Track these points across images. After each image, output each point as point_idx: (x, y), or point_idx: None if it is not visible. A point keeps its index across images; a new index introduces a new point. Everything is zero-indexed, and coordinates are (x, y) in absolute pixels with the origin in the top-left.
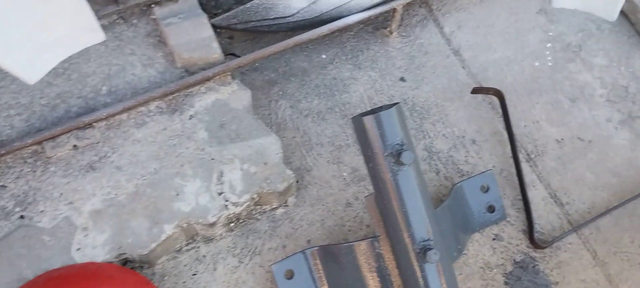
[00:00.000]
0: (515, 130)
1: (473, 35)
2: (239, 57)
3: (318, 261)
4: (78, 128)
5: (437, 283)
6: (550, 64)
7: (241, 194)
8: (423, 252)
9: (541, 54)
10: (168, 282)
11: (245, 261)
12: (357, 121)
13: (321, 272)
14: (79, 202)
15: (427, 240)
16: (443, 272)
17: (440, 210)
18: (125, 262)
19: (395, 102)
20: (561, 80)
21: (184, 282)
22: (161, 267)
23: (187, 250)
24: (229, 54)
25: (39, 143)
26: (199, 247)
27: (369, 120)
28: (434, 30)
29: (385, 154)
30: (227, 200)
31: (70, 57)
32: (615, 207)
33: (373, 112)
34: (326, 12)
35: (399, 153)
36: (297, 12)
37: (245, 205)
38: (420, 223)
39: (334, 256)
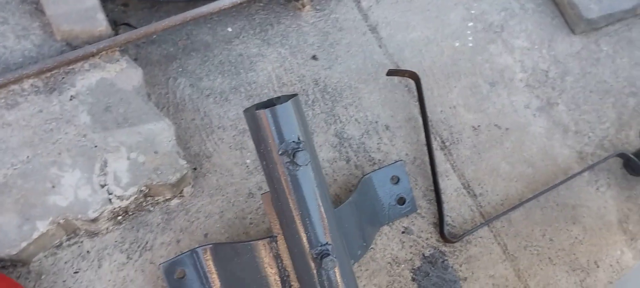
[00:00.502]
0: (431, 116)
1: (391, 12)
2: (134, 27)
3: (210, 260)
4: None
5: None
6: (470, 44)
7: (127, 187)
8: (320, 257)
9: (462, 34)
10: (46, 281)
11: (134, 257)
12: (250, 114)
13: (214, 272)
14: None
15: (324, 245)
16: (341, 276)
17: (345, 206)
18: None
19: (293, 93)
20: (481, 62)
21: (64, 281)
22: (38, 264)
23: (69, 246)
24: (122, 23)
25: None
26: (82, 242)
27: (262, 114)
28: (350, 5)
29: (280, 152)
30: (111, 193)
31: None
32: (528, 200)
33: (268, 104)
34: None
35: (294, 153)
36: None
37: (133, 198)
38: (318, 227)
39: (229, 255)
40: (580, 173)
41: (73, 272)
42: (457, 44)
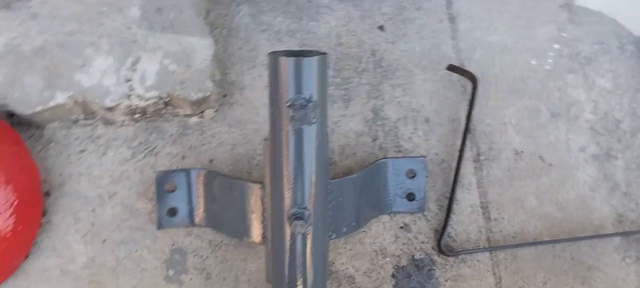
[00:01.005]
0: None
1: (479, 7)
2: None
3: (201, 185)
4: None
5: (299, 252)
6: (548, 67)
7: (149, 89)
8: (293, 218)
9: (543, 54)
10: (53, 149)
11: (138, 157)
12: (273, 58)
13: (201, 197)
14: None
15: (302, 208)
16: (311, 244)
17: (346, 180)
18: (11, 114)
19: (323, 51)
20: (552, 89)
21: (69, 155)
22: (51, 132)
23: (84, 125)
24: None
25: None
26: (96, 126)
27: (283, 61)
28: None
29: (288, 104)
30: (132, 90)
31: None
32: (545, 242)
33: (297, 54)
34: None
35: (301, 108)
36: None
37: (152, 102)
38: (301, 189)
39: (221, 186)
40: (612, 235)
41: (79, 151)
42: (534, 62)
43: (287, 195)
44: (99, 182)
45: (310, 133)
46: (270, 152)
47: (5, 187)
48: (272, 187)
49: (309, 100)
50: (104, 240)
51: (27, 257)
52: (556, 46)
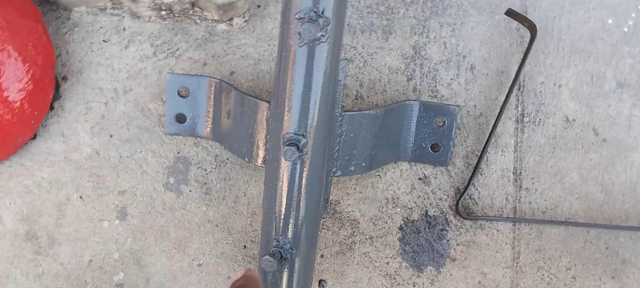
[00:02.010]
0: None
1: None
2: None
3: (212, 95)
4: None
5: (290, 181)
6: (626, 29)
7: None
8: (287, 143)
9: (624, 13)
10: (77, 33)
11: (159, 56)
12: None
13: (211, 107)
14: None
15: (297, 135)
16: (307, 174)
17: (362, 115)
18: None
19: None
20: (625, 55)
21: (91, 43)
22: (78, 16)
23: (111, 15)
24: None
25: None
26: (123, 17)
27: None
28: None
29: (297, 16)
30: None
31: None
32: (578, 224)
33: None
34: None
35: (311, 22)
36: None
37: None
38: (299, 113)
39: (232, 99)
40: None
41: (102, 40)
42: (610, 21)
43: (286, 118)
44: (116, 76)
45: (320, 53)
46: (276, 67)
47: (17, 60)
48: (273, 107)
49: (320, 15)
50: (111, 135)
51: (34, 137)
52: None
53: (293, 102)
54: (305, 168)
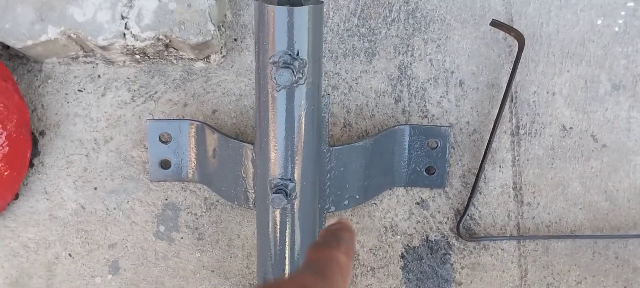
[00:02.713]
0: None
1: None
2: None
3: (193, 138)
4: None
5: (283, 226)
6: (617, 29)
7: (145, 29)
8: (275, 190)
9: (612, 12)
10: (50, 86)
11: (138, 101)
12: (259, 5)
13: (193, 151)
14: None
15: (285, 180)
16: (299, 219)
17: (351, 148)
18: (6, 47)
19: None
20: (617, 56)
21: (66, 94)
22: (50, 67)
23: (84, 63)
24: None
25: None
26: (97, 64)
27: (268, 10)
28: None
29: (271, 60)
30: (127, 29)
31: None
32: (585, 236)
33: (286, 2)
34: None
35: (286, 66)
36: None
37: (148, 43)
38: (284, 158)
39: (214, 142)
40: None
41: (77, 90)
42: (599, 22)
43: (272, 163)
44: (95, 125)
45: (299, 95)
46: (255, 114)
47: None
48: (257, 151)
49: (295, 57)
50: (95, 188)
51: (16, 197)
52: (630, 4)
53: (277, 146)
54: (296, 212)
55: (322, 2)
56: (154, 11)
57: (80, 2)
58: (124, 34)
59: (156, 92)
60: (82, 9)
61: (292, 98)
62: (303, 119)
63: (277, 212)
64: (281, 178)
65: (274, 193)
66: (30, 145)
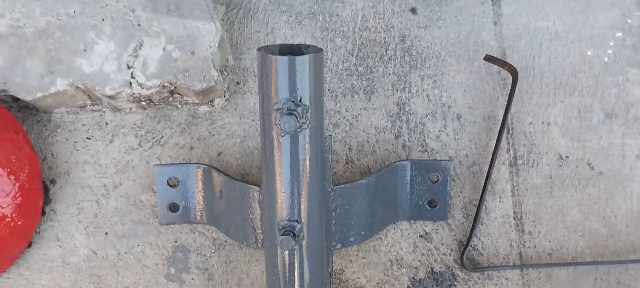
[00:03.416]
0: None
1: None
2: None
3: (200, 181)
4: None
5: (292, 266)
6: (606, 59)
7: (151, 77)
8: (283, 231)
9: (602, 43)
10: (60, 135)
11: (145, 146)
12: (261, 55)
13: (200, 194)
14: None
15: (292, 221)
16: (307, 260)
17: (355, 186)
18: (17, 99)
19: (319, 47)
20: (609, 85)
21: (75, 142)
22: (59, 117)
23: (92, 111)
24: None
25: None
26: (104, 112)
27: (272, 60)
28: None
29: (275, 107)
30: (133, 78)
31: None
32: (586, 263)
33: (290, 49)
34: None
35: (290, 112)
36: None
37: (154, 90)
38: (290, 200)
39: (221, 185)
40: None
41: (85, 137)
42: (589, 53)
43: (279, 205)
44: (104, 171)
45: (302, 139)
46: (261, 158)
47: (2, 176)
48: (264, 194)
49: (298, 104)
50: (106, 233)
51: (29, 245)
52: (618, 34)
53: (283, 189)
54: (304, 251)
55: (322, 50)
56: (158, 60)
57: (88, 54)
58: (130, 83)
59: (162, 137)
60: (89, 60)
61: (297, 142)
62: (307, 161)
63: (286, 252)
64: (288, 220)
65: (282, 235)
66: (42, 194)
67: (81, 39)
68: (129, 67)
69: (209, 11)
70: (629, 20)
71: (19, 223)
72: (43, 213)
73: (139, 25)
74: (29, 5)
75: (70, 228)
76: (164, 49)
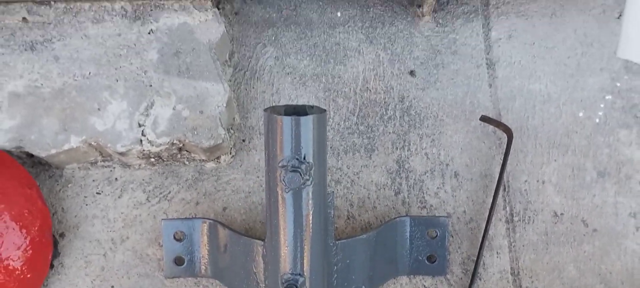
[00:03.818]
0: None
1: (521, 52)
2: None
3: (206, 236)
4: (34, 1)
5: None
6: (597, 121)
7: (161, 135)
8: (286, 285)
9: (593, 105)
10: (71, 190)
11: (152, 201)
12: (268, 116)
13: (206, 248)
14: (4, 78)
15: (295, 275)
16: None
17: (356, 241)
18: (30, 155)
19: (323, 108)
20: (600, 145)
21: (85, 197)
22: (70, 172)
23: (102, 166)
24: None
25: None
26: (114, 168)
27: (277, 120)
28: (477, 30)
29: (280, 164)
30: (144, 135)
31: None
32: None
33: (294, 110)
34: None
35: (294, 170)
36: None
37: (163, 147)
38: (294, 254)
39: (226, 240)
40: None
41: (95, 193)
42: (581, 114)
43: (282, 259)
44: (112, 226)
45: (306, 196)
46: (266, 213)
47: (15, 229)
48: (268, 248)
49: (302, 161)
50: (113, 286)
51: None
52: (608, 97)
53: (287, 243)
54: None
55: (325, 110)
56: (168, 118)
57: (101, 113)
58: (141, 140)
59: (170, 192)
60: (102, 119)
61: (300, 198)
62: (311, 217)
63: None
64: (292, 274)
65: (288, 287)
66: (52, 248)
67: (95, 98)
68: (140, 125)
69: (217, 73)
70: (618, 84)
71: (28, 276)
72: (51, 266)
73: (151, 85)
74: (47, 66)
75: (78, 281)
76: (174, 108)
